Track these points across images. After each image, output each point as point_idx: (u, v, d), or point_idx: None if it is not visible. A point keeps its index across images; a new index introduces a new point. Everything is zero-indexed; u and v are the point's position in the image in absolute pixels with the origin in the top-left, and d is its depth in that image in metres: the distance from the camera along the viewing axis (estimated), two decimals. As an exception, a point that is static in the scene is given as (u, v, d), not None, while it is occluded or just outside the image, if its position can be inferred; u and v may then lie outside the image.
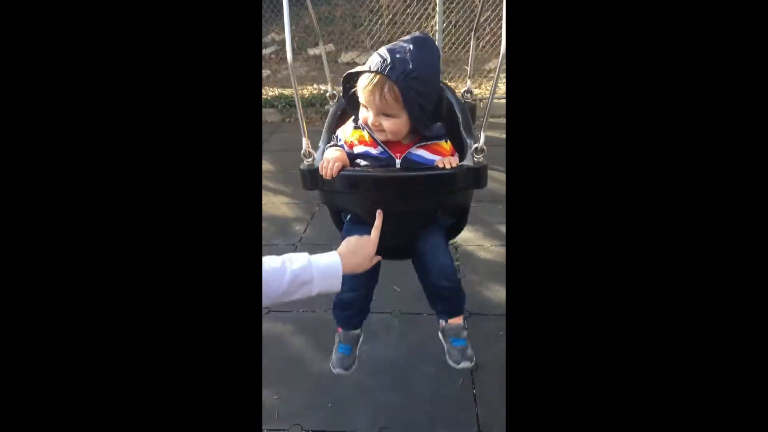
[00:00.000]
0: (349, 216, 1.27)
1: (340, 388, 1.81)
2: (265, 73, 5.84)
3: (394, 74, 1.01)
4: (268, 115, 4.92)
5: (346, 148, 1.16)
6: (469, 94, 1.44)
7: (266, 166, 3.74)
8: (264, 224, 2.93)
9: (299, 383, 1.85)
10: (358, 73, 1.08)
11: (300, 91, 5.15)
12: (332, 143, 1.20)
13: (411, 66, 1.01)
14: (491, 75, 5.14)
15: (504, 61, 0.88)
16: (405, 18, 5.47)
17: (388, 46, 1.08)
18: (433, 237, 1.18)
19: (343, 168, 1.06)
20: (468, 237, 2.70)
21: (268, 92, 5.22)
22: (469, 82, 1.50)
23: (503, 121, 4.54)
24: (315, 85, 5.30)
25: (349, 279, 1.07)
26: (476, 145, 1.04)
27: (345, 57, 5.85)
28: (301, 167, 1.08)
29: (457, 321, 1.27)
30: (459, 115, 1.26)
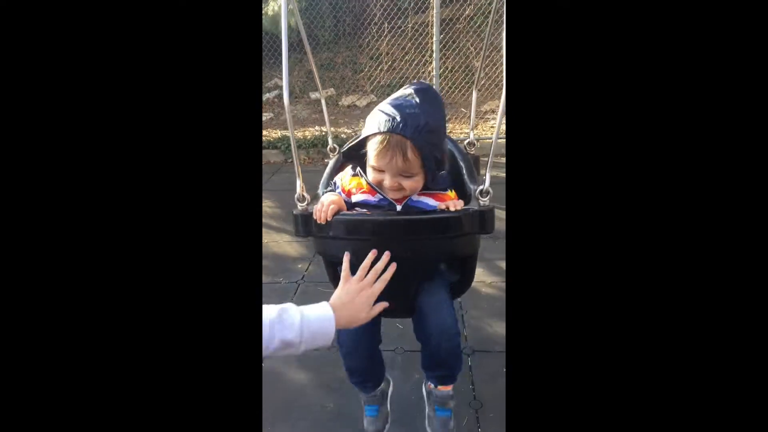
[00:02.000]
0: None
1: (342, 426, 1.78)
2: (269, 115, 6.03)
3: (408, 132, 0.94)
4: (271, 156, 5.03)
5: (343, 195, 1.11)
6: (471, 146, 1.38)
7: (269, 205, 3.80)
8: (267, 262, 2.95)
9: (299, 420, 1.82)
10: (363, 141, 1.02)
11: (302, 133, 5.30)
12: (329, 189, 1.15)
13: (423, 120, 0.95)
14: (487, 116, 5.31)
15: (505, 104, 0.91)
16: (403, 64, 5.72)
17: (393, 102, 1.00)
18: (436, 292, 1.07)
19: (338, 212, 1.00)
20: (469, 273, 2.72)
21: (271, 134, 5.37)
22: (471, 134, 1.43)
23: (503, 160, 4.64)
24: (317, 127, 5.46)
25: (348, 345, 1.05)
26: (481, 187, 0.98)
27: (345, 101, 6.06)
28: (294, 212, 1.02)
29: (447, 389, 1.16)
30: (462, 164, 1.22)
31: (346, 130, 5.14)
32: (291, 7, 1.03)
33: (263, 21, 6.09)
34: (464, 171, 1.21)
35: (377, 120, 0.99)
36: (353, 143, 1.06)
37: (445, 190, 1.10)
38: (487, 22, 1.21)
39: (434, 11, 4.43)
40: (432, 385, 1.19)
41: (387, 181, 1.01)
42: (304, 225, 1.02)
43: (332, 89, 6.17)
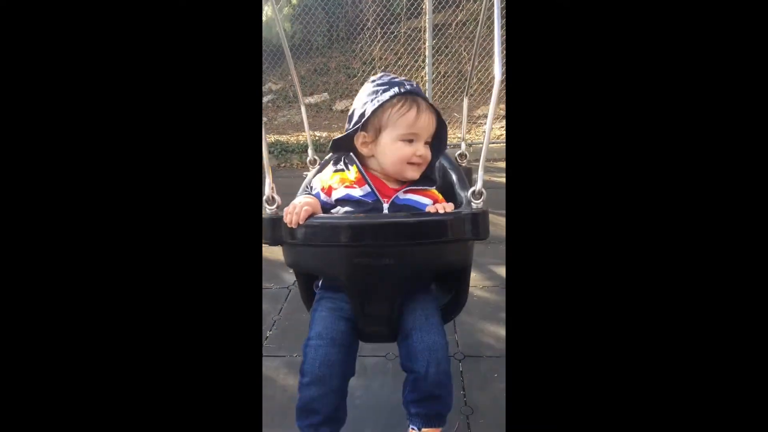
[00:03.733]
0: (320, 282, 1.03)
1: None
2: (263, 119, 6.00)
3: (422, 94, 0.89)
4: (264, 160, 5.01)
5: (322, 195, 0.99)
6: (463, 158, 1.31)
7: (261, 209, 3.79)
8: (258, 267, 2.94)
9: (293, 428, 1.81)
10: (365, 123, 0.93)
11: (296, 137, 5.29)
12: (305, 192, 1.04)
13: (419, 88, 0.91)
14: (480, 121, 5.33)
15: (493, 110, 0.86)
16: (396, 69, 5.74)
17: (383, 80, 0.96)
18: (423, 309, 0.92)
19: (312, 215, 0.87)
20: (461, 278, 2.72)
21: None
22: (463, 144, 1.37)
23: (495, 164, 4.67)
24: (311, 131, 5.45)
25: (313, 374, 0.85)
26: (474, 188, 0.88)
27: (339, 105, 6.07)
28: (264, 216, 0.88)
29: None
30: (453, 174, 1.14)
31: (339, 135, 5.14)
32: (279, 14, 1.01)
33: (256, 26, 6.07)
34: (455, 181, 1.11)
35: (387, 86, 0.87)
36: (349, 132, 0.94)
37: (432, 186, 1.00)
38: (480, 27, 1.21)
39: (427, 17, 4.45)
40: (415, 429, 0.93)
41: (420, 149, 0.91)
42: (273, 230, 0.87)
43: (326, 94, 6.18)
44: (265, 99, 6.44)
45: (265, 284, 2.75)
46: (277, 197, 0.91)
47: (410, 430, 0.98)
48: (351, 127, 0.97)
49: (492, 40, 5.50)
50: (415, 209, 0.95)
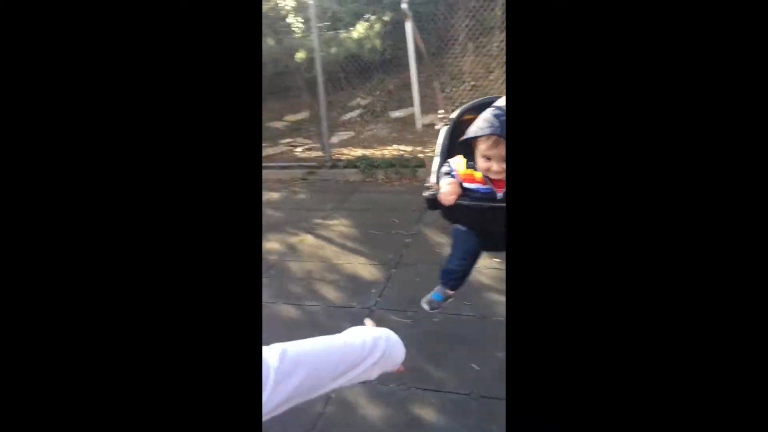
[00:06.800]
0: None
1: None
2: (350, 134, 6.15)
3: (503, 133, 1.44)
4: (350, 174, 5.10)
5: (459, 179, 1.59)
6: None
7: (345, 224, 3.81)
8: (341, 284, 2.92)
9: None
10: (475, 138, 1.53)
11: (381, 152, 5.31)
12: (446, 171, 1.62)
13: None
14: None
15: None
16: (488, 83, 5.56)
17: (495, 112, 1.48)
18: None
19: (457, 198, 1.53)
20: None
21: (351, 153, 5.46)
22: None
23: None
24: (395, 146, 5.45)
25: (459, 253, 1.65)
26: None
27: (425, 119, 6.00)
28: (426, 195, 1.59)
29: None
30: None
31: (424, 150, 5.07)
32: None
33: (350, 43, 6.27)
34: None
35: (488, 124, 1.47)
36: (468, 137, 1.52)
37: None
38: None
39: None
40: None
41: (495, 167, 1.49)
42: (433, 205, 1.58)
43: (413, 108, 6.17)
44: (353, 113, 6.59)
45: (348, 302, 2.71)
46: (437, 186, 1.59)
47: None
48: (466, 137, 1.51)
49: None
50: None
